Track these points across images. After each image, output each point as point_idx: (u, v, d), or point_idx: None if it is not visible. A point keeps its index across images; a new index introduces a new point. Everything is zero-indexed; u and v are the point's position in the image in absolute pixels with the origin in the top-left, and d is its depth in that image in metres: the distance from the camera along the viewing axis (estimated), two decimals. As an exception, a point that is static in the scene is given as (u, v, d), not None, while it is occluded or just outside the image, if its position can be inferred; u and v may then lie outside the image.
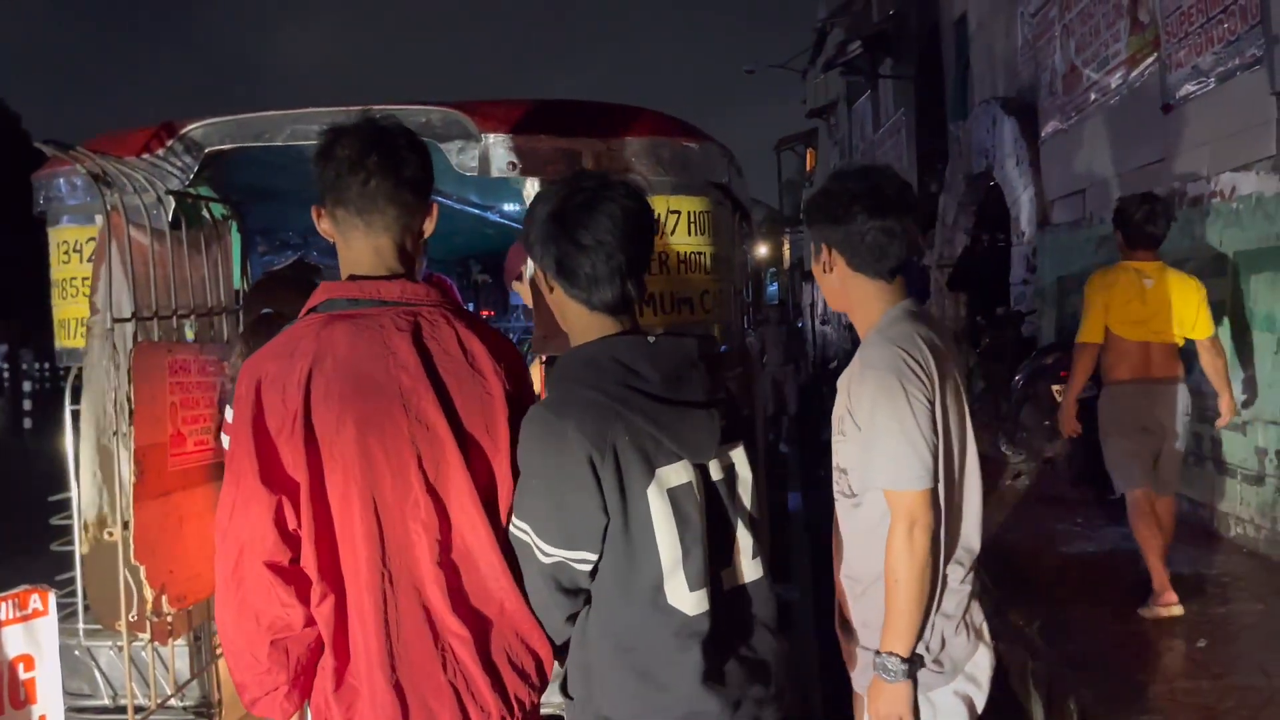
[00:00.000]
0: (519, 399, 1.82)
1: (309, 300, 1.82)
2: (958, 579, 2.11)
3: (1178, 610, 4.33)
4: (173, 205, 3.04)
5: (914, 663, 2.02)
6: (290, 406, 1.69)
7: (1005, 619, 4.52)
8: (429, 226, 1.87)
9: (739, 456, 1.85)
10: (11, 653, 2.41)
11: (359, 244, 1.81)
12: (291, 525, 1.71)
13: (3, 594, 2.41)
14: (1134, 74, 7.03)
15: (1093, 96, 7.88)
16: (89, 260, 3.19)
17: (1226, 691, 3.60)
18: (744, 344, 3.78)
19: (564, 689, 1.82)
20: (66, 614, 3.06)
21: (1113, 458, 4.55)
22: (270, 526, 1.69)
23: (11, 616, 2.42)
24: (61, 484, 3.35)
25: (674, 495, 1.70)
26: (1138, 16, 6.95)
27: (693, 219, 2.93)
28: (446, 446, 1.72)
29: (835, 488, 2.19)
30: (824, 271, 2.20)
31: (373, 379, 1.70)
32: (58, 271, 3.36)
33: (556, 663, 1.87)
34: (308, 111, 2.95)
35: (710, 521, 1.74)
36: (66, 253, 3.30)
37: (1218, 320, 5.70)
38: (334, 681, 1.75)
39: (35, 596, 2.45)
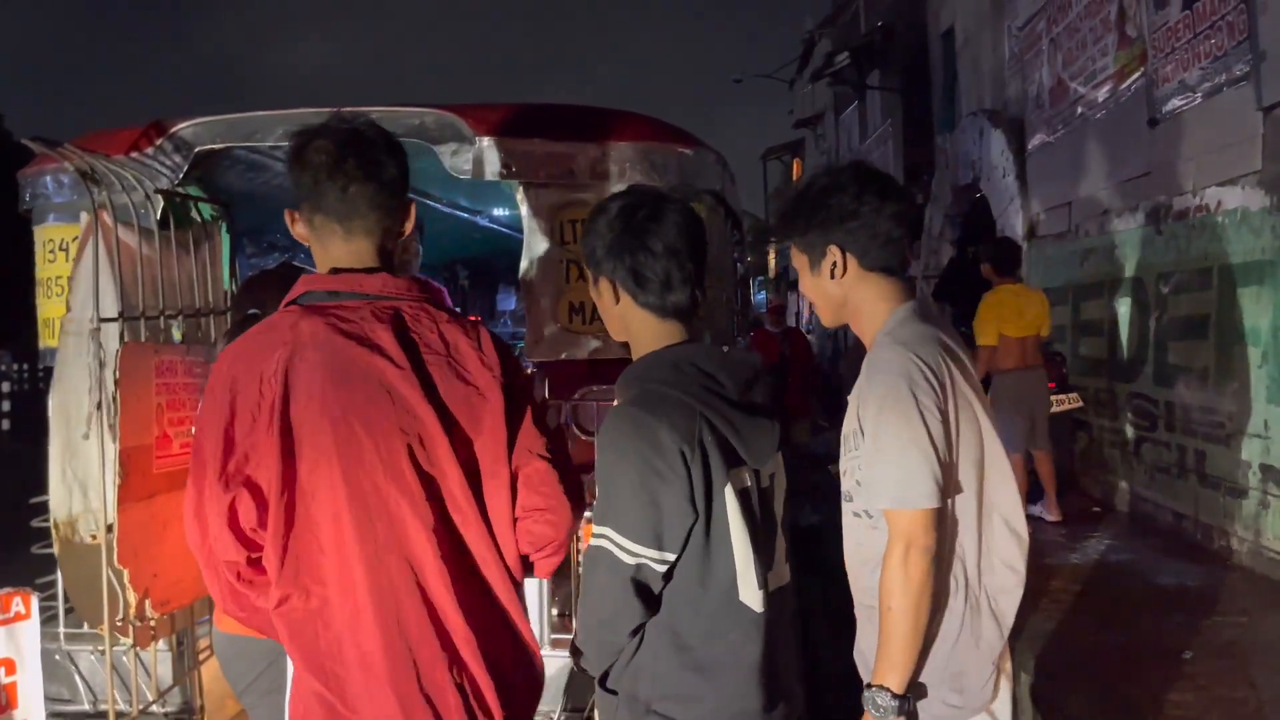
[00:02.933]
0: (513, 392, 1.80)
1: (290, 293, 1.80)
2: (1007, 606, 1.97)
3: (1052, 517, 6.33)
4: (161, 204, 3.02)
5: (907, 700, 1.88)
6: (267, 397, 1.66)
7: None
8: (408, 226, 1.86)
9: (779, 465, 1.92)
10: (-8, 656, 2.38)
11: (338, 249, 1.79)
12: (249, 524, 1.67)
13: (-16, 597, 2.38)
14: (1121, 88, 7.07)
15: (1079, 110, 7.93)
16: (76, 259, 3.16)
17: (1212, 704, 3.61)
18: (738, 349, 3.77)
19: (602, 684, 1.83)
20: (47, 617, 3.02)
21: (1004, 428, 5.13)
22: (223, 529, 1.66)
23: (-7, 620, 2.38)
24: (42, 486, 3.32)
25: (744, 496, 1.76)
26: (1125, 31, 6.99)
27: (686, 225, 2.92)
28: (436, 438, 1.70)
29: (847, 506, 2.06)
30: (831, 277, 2.02)
31: (356, 369, 1.67)
32: (43, 270, 3.32)
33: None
34: (299, 112, 2.94)
35: (761, 524, 1.81)
36: (52, 251, 3.27)
37: (1203, 334, 5.76)
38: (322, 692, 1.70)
39: (18, 600, 2.43)
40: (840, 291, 2.04)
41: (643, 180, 2.86)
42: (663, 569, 1.72)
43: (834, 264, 2.01)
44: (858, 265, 2.01)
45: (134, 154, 2.95)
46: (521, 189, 2.87)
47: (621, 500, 1.71)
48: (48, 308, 3.32)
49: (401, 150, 1.84)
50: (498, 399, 1.76)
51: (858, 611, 2.10)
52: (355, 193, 1.74)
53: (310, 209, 1.78)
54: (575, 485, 1.86)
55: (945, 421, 1.88)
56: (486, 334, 1.83)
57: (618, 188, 2.83)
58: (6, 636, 2.39)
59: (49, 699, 2.60)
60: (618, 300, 1.86)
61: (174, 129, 2.96)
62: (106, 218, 2.79)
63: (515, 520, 1.79)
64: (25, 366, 21.07)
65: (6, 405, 16.09)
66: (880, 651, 1.89)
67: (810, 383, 9.17)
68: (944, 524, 1.90)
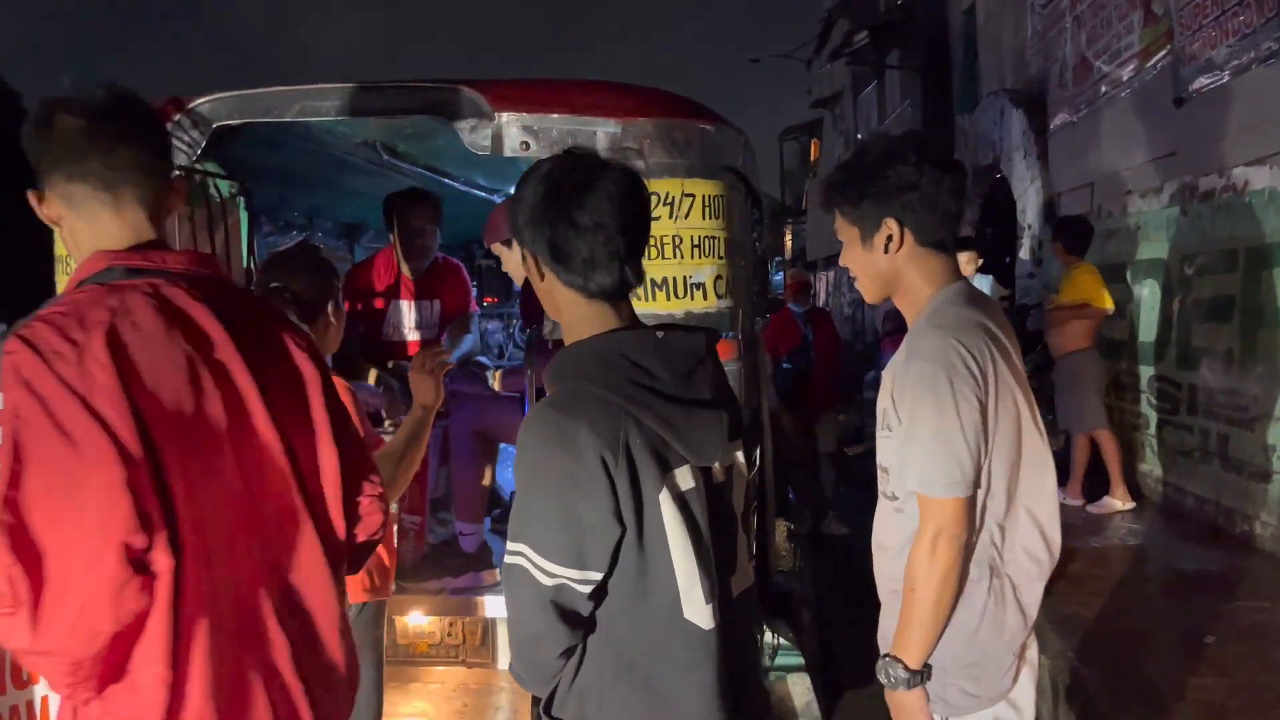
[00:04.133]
0: (325, 376, 1.70)
1: (78, 271, 1.59)
2: (1031, 596, 1.95)
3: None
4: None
5: (921, 676, 1.88)
6: (96, 381, 1.42)
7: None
8: (179, 195, 1.72)
9: (739, 456, 1.76)
10: (12, 632, 2.38)
11: (106, 223, 1.59)
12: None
13: (4, 572, 2.38)
14: (1146, 66, 6.97)
15: (1103, 89, 7.82)
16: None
17: (1234, 689, 3.58)
18: (754, 331, 3.73)
19: (547, 710, 1.66)
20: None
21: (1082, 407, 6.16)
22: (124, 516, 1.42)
23: (13, 595, 2.38)
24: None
25: (684, 501, 1.58)
26: (1151, 8, 6.89)
27: (707, 202, 2.89)
28: (260, 422, 1.56)
29: (880, 488, 2.02)
30: (885, 251, 1.93)
31: (177, 351, 1.50)
32: (60, 247, 3.31)
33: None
34: (317, 87, 2.92)
35: (715, 525, 1.64)
36: (70, 228, 3.26)
37: (1227, 316, 5.69)
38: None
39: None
40: (891, 267, 1.96)
41: (664, 158, 2.83)
42: (587, 589, 1.53)
43: (889, 237, 1.92)
44: (914, 240, 1.93)
45: (152, 130, 2.93)
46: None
47: (537, 515, 1.53)
48: (65, 284, 3.32)
49: (163, 121, 1.71)
50: (315, 377, 1.65)
51: (881, 595, 2.08)
52: (123, 155, 1.56)
53: (65, 179, 1.56)
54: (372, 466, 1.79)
55: (983, 410, 1.82)
56: (278, 309, 1.74)
57: (640, 165, 2.81)
58: (27, 612, 2.40)
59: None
60: (542, 277, 1.67)
61: (191, 104, 2.94)
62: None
63: (355, 502, 1.71)
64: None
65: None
66: (900, 629, 1.88)
67: (836, 372, 7.98)
68: (974, 514, 1.86)
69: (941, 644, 1.90)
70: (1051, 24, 9.09)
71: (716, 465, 1.67)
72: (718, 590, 1.61)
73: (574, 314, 1.66)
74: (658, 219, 2.83)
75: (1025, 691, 1.99)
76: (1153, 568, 5.12)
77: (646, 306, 2.84)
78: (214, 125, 2.94)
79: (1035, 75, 9.71)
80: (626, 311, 1.67)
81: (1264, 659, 3.82)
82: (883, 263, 1.96)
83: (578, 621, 1.57)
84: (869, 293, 2.04)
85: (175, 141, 2.96)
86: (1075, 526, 5.93)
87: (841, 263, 2.04)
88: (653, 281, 2.84)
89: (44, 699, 2.45)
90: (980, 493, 1.87)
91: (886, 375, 1.99)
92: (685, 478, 1.59)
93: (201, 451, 1.50)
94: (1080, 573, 5.03)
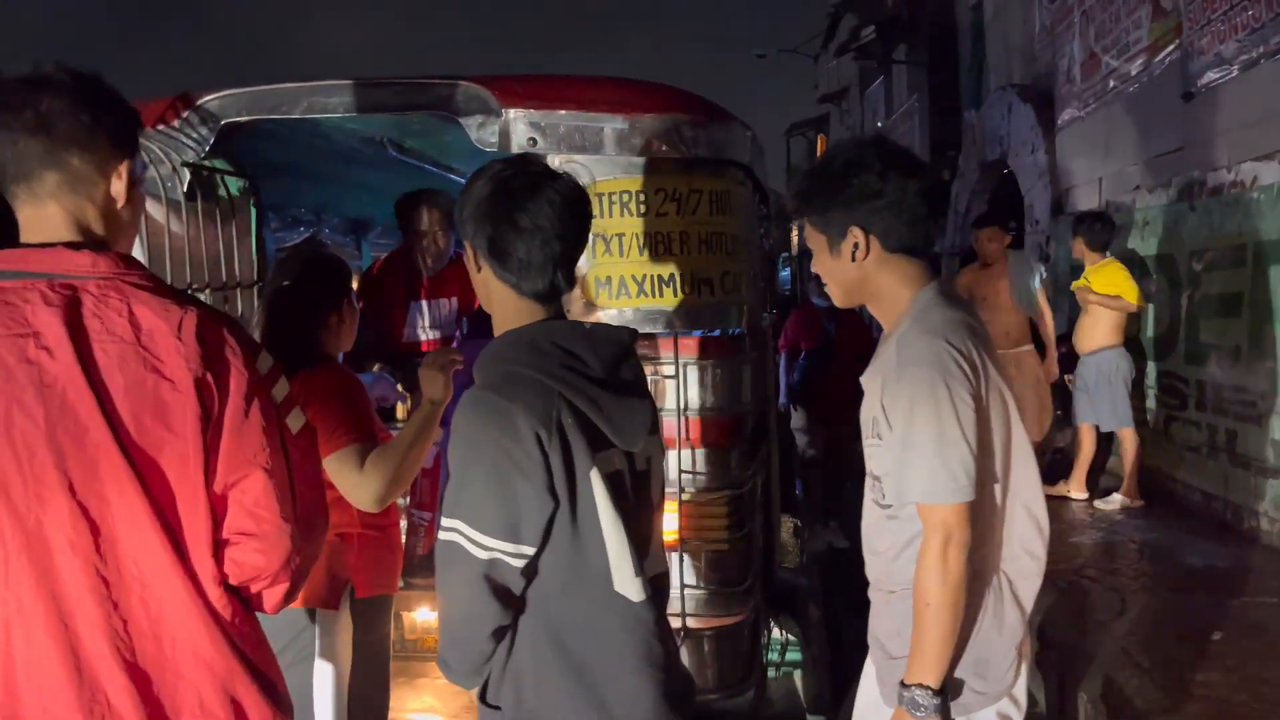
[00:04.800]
0: (222, 387, 1.48)
1: None
2: (1028, 592, 1.93)
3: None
4: (188, 178, 3.01)
5: (946, 694, 1.83)
6: None
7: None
8: (118, 189, 1.53)
9: (656, 448, 1.84)
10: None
11: (25, 217, 1.51)
12: None
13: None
14: (1155, 61, 6.95)
15: (1111, 84, 7.80)
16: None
17: (1241, 684, 3.57)
18: (762, 327, 3.74)
19: (483, 699, 1.71)
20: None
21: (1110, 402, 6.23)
22: None
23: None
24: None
25: (612, 480, 1.67)
26: (1160, 3, 6.86)
27: (714, 198, 2.89)
28: (103, 449, 1.40)
29: (868, 494, 2.01)
30: (852, 259, 1.92)
31: (4, 367, 1.39)
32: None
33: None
34: (325, 84, 2.93)
35: (635, 509, 1.73)
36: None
37: (1235, 312, 5.67)
38: None
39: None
40: (860, 274, 1.94)
41: (671, 154, 2.83)
42: (520, 564, 1.61)
43: (855, 245, 1.91)
44: (880, 247, 1.91)
45: (160, 126, 2.94)
46: (546, 162, 2.85)
47: (473, 491, 1.60)
48: None
49: (101, 100, 1.51)
50: (190, 395, 1.44)
51: (871, 594, 2.07)
52: (25, 148, 1.46)
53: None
54: (309, 503, 1.57)
55: (979, 409, 1.81)
56: (194, 317, 1.48)
57: (644, 159, 2.81)
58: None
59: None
60: (479, 269, 1.76)
61: (200, 101, 2.95)
62: (135, 190, 2.79)
63: (221, 544, 1.49)
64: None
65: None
66: (915, 647, 1.83)
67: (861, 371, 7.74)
68: (974, 516, 1.83)
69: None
70: (1059, 19, 9.06)
71: (638, 453, 1.76)
72: (642, 568, 1.70)
73: (505, 308, 1.76)
74: (664, 215, 2.84)
75: (1022, 687, 1.99)
76: (1160, 563, 5.11)
77: (654, 303, 2.85)
78: (222, 122, 2.95)
79: (1043, 70, 9.68)
80: (555, 311, 1.77)
81: (1271, 654, 3.82)
82: (851, 270, 1.94)
83: (509, 600, 1.63)
84: (838, 298, 2.03)
85: (183, 138, 2.97)
86: (1082, 521, 5.93)
87: (813, 269, 2.04)
88: (660, 278, 2.84)
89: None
90: (980, 491, 1.84)
91: (872, 382, 1.96)
92: (611, 460, 1.69)
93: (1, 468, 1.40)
94: (1087, 568, 5.03)
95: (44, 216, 1.50)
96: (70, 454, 1.40)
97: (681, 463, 2.91)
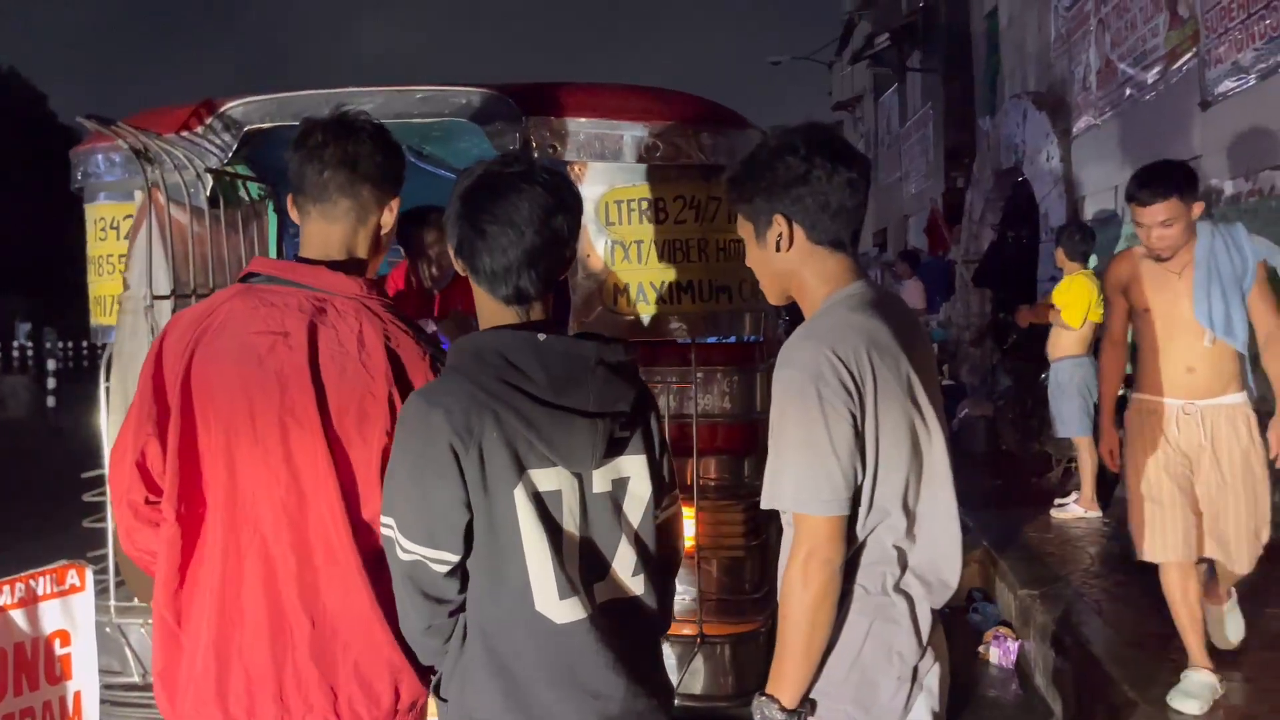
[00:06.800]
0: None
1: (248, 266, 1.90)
2: (925, 617, 1.80)
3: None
4: (210, 183, 3.04)
5: (798, 715, 1.73)
6: (180, 364, 1.75)
7: (1030, 618, 4.48)
8: (387, 220, 1.88)
9: (637, 470, 1.74)
10: (48, 628, 2.42)
11: (311, 230, 1.85)
12: (157, 471, 1.78)
13: (40, 569, 2.41)
14: (1172, 69, 6.94)
15: (1128, 92, 7.79)
16: (125, 238, 3.20)
17: (1260, 695, 3.56)
18: (777, 333, 3.74)
19: (437, 691, 1.74)
20: (98, 591, 3.07)
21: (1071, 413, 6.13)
22: (131, 468, 1.78)
23: (49, 592, 2.42)
24: (91, 461, 3.36)
25: (543, 500, 1.63)
26: (1177, 11, 6.86)
27: (733, 206, 2.90)
28: (313, 437, 1.71)
29: None
30: (777, 250, 1.82)
31: (256, 353, 1.72)
32: (94, 248, 3.36)
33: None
34: (346, 91, 2.95)
35: (585, 533, 1.67)
36: (103, 229, 3.31)
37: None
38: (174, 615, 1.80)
39: (73, 572, 2.46)
40: (786, 267, 1.83)
41: (690, 161, 2.85)
42: (442, 569, 1.62)
43: (780, 235, 1.80)
44: (805, 238, 1.80)
45: (184, 133, 2.97)
46: (567, 169, 2.87)
47: (398, 492, 1.63)
48: (99, 285, 3.36)
49: (390, 147, 1.86)
50: (384, 409, 1.74)
51: None
52: (328, 178, 1.80)
53: (295, 189, 1.85)
54: None
55: (857, 424, 1.69)
56: (408, 343, 1.79)
57: (664, 167, 2.82)
58: (62, 609, 2.43)
59: (100, 671, 2.64)
60: (465, 272, 1.75)
61: (224, 108, 2.98)
62: (159, 196, 2.81)
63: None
64: (70, 345, 21.45)
65: (52, 383, 16.35)
66: (775, 660, 1.74)
67: None
68: (852, 533, 1.73)
69: (826, 668, 1.77)
70: (1075, 27, 9.05)
71: (599, 474, 1.68)
72: (580, 590, 1.65)
73: (483, 312, 1.75)
74: (683, 222, 2.85)
75: (937, 675, 1.85)
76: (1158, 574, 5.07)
77: (673, 309, 2.86)
78: (245, 128, 2.98)
79: (1058, 78, 9.67)
80: (535, 314, 1.71)
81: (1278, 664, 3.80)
82: (777, 262, 1.83)
83: (439, 600, 1.65)
84: (769, 294, 1.92)
85: (206, 144, 3.01)
86: (1086, 535, 5.90)
87: (747, 264, 1.93)
88: (678, 285, 2.85)
89: (76, 694, 2.50)
90: (861, 510, 1.74)
91: None
92: (549, 479, 1.64)
93: (238, 439, 1.72)
94: (1102, 575, 5.01)
95: (329, 234, 1.83)
96: (292, 433, 1.71)
97: (698, 470, 2.92)
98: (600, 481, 1.69)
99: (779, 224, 1.79)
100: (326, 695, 1.74)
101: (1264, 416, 3.67)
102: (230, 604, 1.74)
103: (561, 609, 1.63)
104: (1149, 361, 3.66)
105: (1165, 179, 3.54)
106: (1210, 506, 3.57)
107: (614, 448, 1.69)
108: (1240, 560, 3.62)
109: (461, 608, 1.68)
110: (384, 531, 1.65)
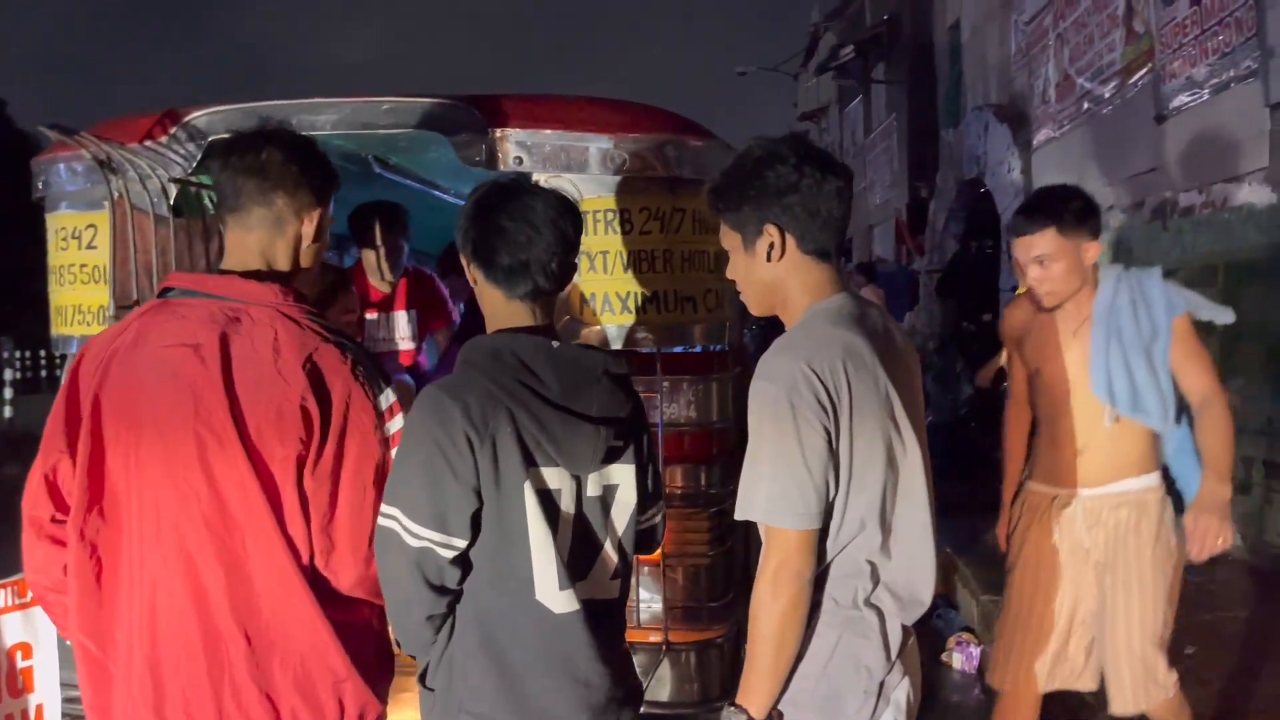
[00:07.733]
0: (329, 419, 1.74)
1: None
2: (895, 633, 1.81)
3: None
4: (174, 193, 3.03)
5: None
6: (93, 382, 1.75)
7: (992, 623, 4.54)
8: (308, 231, 1.87)
9: (626, 478, 1.83)
10: (9, 640, 2.40)
11: (228, 240, 1.86)
12: (67, 489, 1.77)
13: (1, 582, 2.39)
14: (1128, 84, 7.08)
15: (1086, 105, 7.94)
16: (88, 247, 3.17)
17: (1216, 698, 3.62)
18: (742, 343, 3.78)
19: (422, 680, 1.80)
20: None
21: None
22: (39, 484, 1.78)
23: (10, 604, 2.40)
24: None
25: (547, 497, 1.72)
26: (1133, 27, 7.00)
27: (698, 217, 2.93)
28: (231, 448, 1.69)
29: None
30: (768, 260, 1.81)
31: (169, 367, 1.71)
32: (55, 258, 3.33)
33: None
34: (313, 101, 2.95)
35: (577, 532, 1.77)
36: (64, 239, 3.28)
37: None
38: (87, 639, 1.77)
39: (34, 584, 2.44)
40: (774, 276, 1.83)
41: (655, 173, 2.87)
42: (449, 554, 1.68)
43: (771, 245, 1.80)
44: (796, 247, 1.80)
45: (147, 142, 2.95)
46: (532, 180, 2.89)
47: (410, 480, 1.68)
48: (60, 295, 3.33)
49: (310, 158, 1.86)
50: (296, 419, 1.71)
51: None
52: (239, 186, 1.81)
53: (218, 204, 1.87)
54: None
55: (831, 439, 1.69)
56: (326, 351, 1.76)
57: (629, 179, 2.85)
58: (23, 621, 2.41)
59: (66, 684, 2.62)
60: (475, 280, 1.85)
61: (187, 117, 2.96)
62: (125, 206, 2.80)
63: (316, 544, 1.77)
64: (28, 354, 21.11)
65: (9, 393, 16.08)
66: (745, 671, 1.76)
67: None
68: (824, 546, 1.74)
69: (794, 679, 1.78)
70: (1035, 41, 9.20)
71: (593, 479, 1.79)
72: (571, 584, 1.74)
73: (495, 312, 1.84)
74: (648, 233, 2.88)
75: (905, 689, 1.85)
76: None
77: (638, 319, 2.88)
78: (209, 138, 2.97)
79: (1019, 91, 9.83)
80: (544, 314, 1.84)
81: (1245, 668, 3.87)
82: (765, 271, 1.83)
83: (442, 588, 1.71)
84: (752, 304, 1.92)
85: (170, 154, 2.99)
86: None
87: (728, 274, 1.93)
88: (644, 296, 2.88)
89: (39, 706, 2.48)
90: (834, 524, 1.75)
91: None
92: (553, 478, 1.74)
93: (150, 456, 1.70)
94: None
95: (244, 243, 1.83)
96: (209, 446, 1.68)
97: (665, 478, 2.94)
98: (593, 486, 1.79)
99: (770, 233, 1.79)
100: (268, 711, 1.73)
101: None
102: (162, 624, 1.72)
103: (560, 599, 1.72)
104: (1041, 438, 3.00)
105: (1044, 207, 2.87)
106: (1094, 628, 2.91)
107: (610, 455, 1.79)
108: (1123, 698, 2.85)
109: (458, 598, 1.74)
110: (384, 524, 1.68)
